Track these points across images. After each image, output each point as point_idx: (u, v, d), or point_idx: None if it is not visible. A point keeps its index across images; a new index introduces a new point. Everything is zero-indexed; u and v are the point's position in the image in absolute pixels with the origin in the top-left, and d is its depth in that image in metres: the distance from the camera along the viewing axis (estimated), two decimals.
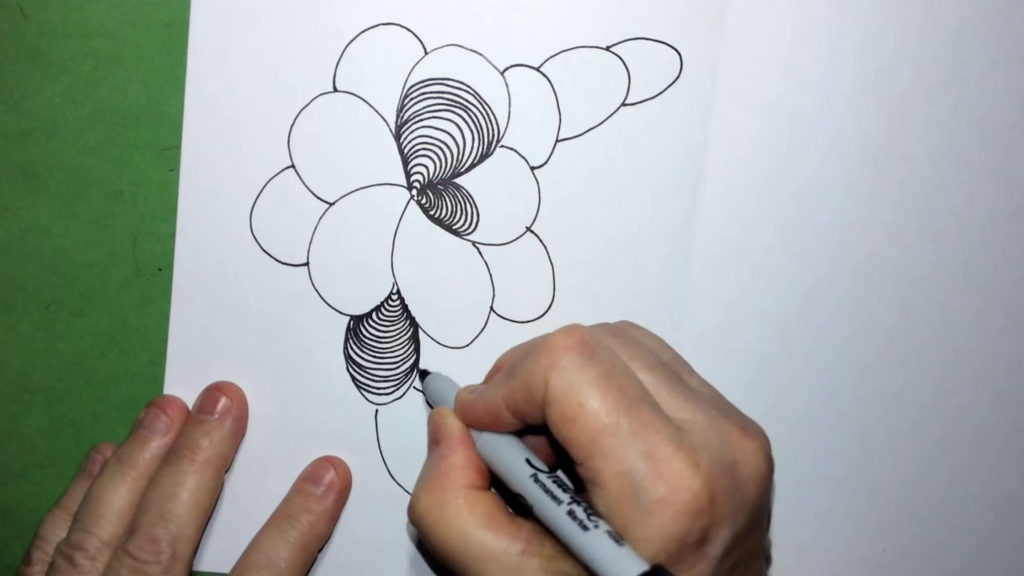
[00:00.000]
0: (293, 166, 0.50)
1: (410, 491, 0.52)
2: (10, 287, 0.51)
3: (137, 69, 0.50)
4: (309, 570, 0.51)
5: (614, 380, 0.39)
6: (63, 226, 0.51)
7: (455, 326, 0.51)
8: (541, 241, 0.51)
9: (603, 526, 0.38)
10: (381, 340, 0.51)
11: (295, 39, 0.50)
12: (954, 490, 0.53)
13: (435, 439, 0.45)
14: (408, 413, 0.52)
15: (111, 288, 0.51)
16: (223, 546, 0.52)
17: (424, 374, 0.51)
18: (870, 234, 0.51)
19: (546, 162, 0.51)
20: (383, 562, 0.52)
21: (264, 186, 0.50)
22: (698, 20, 0.50)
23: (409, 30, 0.50)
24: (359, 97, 0.50)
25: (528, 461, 0.42)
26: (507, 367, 0.43)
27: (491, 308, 0.51)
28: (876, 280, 0.52)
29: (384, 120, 0.50)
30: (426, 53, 0.50)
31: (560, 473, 0.41)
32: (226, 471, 0.51)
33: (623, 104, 0.50)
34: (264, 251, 0.51)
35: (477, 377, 0.50)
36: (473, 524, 0.41)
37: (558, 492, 0.40)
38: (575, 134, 0.50)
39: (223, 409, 0.50)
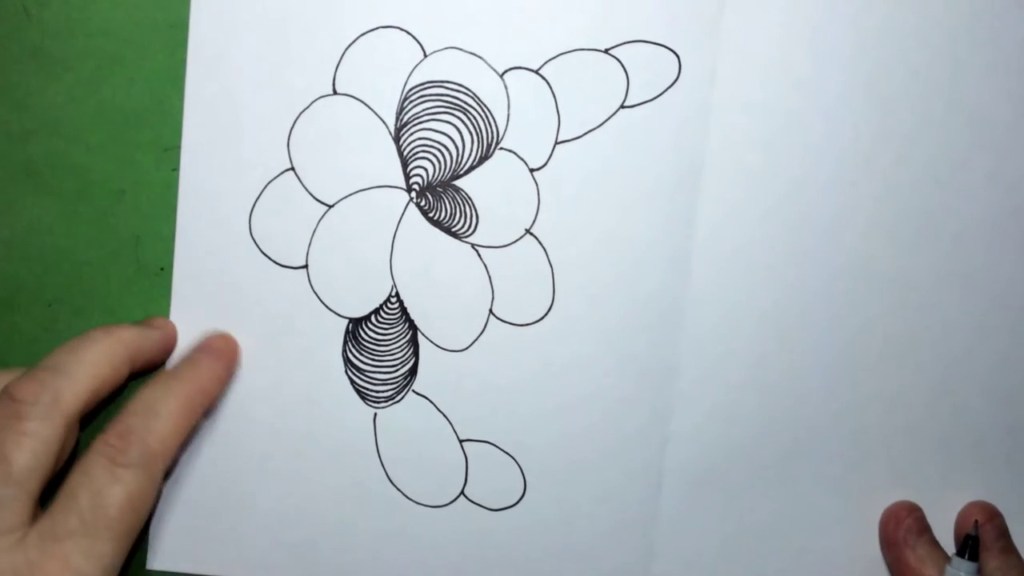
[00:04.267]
0: (293, 168, 0.50)
1: (408, 495, 0.52)
2: (12, 286, 0.52)
3: (140, 69, 0.50)
4: (191, 433, 0.50)
5: None
6: (65, 225, 0.51)
7: (454, 329, 0.51)
8: (540, 243, 0.51)
9: None
10: (380, 343, 0.51)
11: (295, 41, 0.50)
12: (951, 491, 0.53)
13: None
14: (407, 417, 0.52)
15: (113, 287, 0.52)
16: (215, 547, 0.52)
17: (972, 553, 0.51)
18: (868, 235, 0.51)
19: (545, 164, 0.51)
20: (382, 566, 0.52)
21: (264, 188, 0.51)
22: (696, 22, 0.50)
23: (408, 33, 0.50)
24: (359, 100, 0.50)
25: None
26: None
27: (490, 311, 0.51)
28: (874, 281, 0.52)
29: (383, 122, 0.50)
30: (425, 56, 0.50)
31: None
32: (135, 376, 0.50)
33: (622, 106, 0.50)
34: (263, 253, 0.51)
35: (476, 379, 0.51)
36: None
37: None
38: (574, 136, 0.50)
39: (158, 324, 0.51)
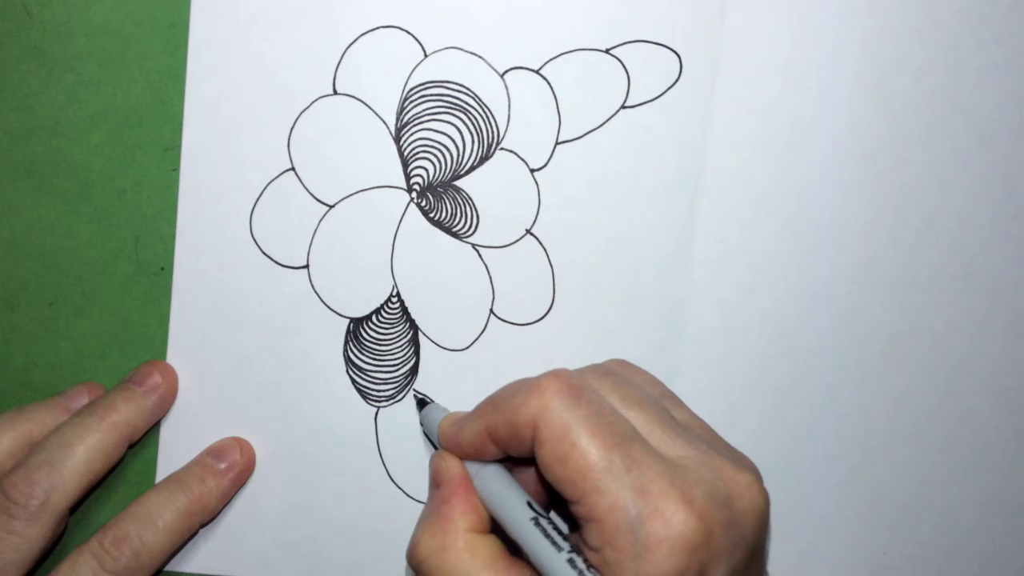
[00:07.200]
0: (293, 168, 0.51)
1: (409, 494, 0.52)
2: (13, 285, 0.52)
3: (141, 68, 0.50)
4: (186, 542, 0.51)
5: (604, 419, 0.39)
6: (66, 225, 0.51)
7: (455, 328, 0.51)
8: (541, 243, 0.51)
9: None
10: (381, 343, 0.51)
11: (295, 41, 0.50)
12: (954, 493, 0.53)
13: (435, 482, 0.44)
14: (408, 416, 0.52)
15: (113, 287, 0.52)
16: (216, 546, 0.52)
17: (422, 404, 0.51)
18: (870, 237, 0.51)
19: (546, 164, 0.51)
20: (383, 564, 0.52)
21: (264, 188, 0.51)
22: (697, 23, 0.50)
23: (409, 33, 0.50)
24: (359, 100, 0.50)
25: (529, 504, 0.41)
26: (491, 399, 0.43)
27: (491, 311, 0.51)
28: (876, 283, 0.51)
29: (384, 123, 0.50)
30: (426, 56, 0.50)
31: (555, 517, 0.41)
32: (131, 446, 0.50)
33: (623, 107, 0.50)
34: (264, 253, 0.51)
35: (477, 378, 0.51)
36: (475, 568, 0.40)
37: (558, 539, 0.40)
38: (575, 136, 0.50)
39: (151, 385, 0.50)
